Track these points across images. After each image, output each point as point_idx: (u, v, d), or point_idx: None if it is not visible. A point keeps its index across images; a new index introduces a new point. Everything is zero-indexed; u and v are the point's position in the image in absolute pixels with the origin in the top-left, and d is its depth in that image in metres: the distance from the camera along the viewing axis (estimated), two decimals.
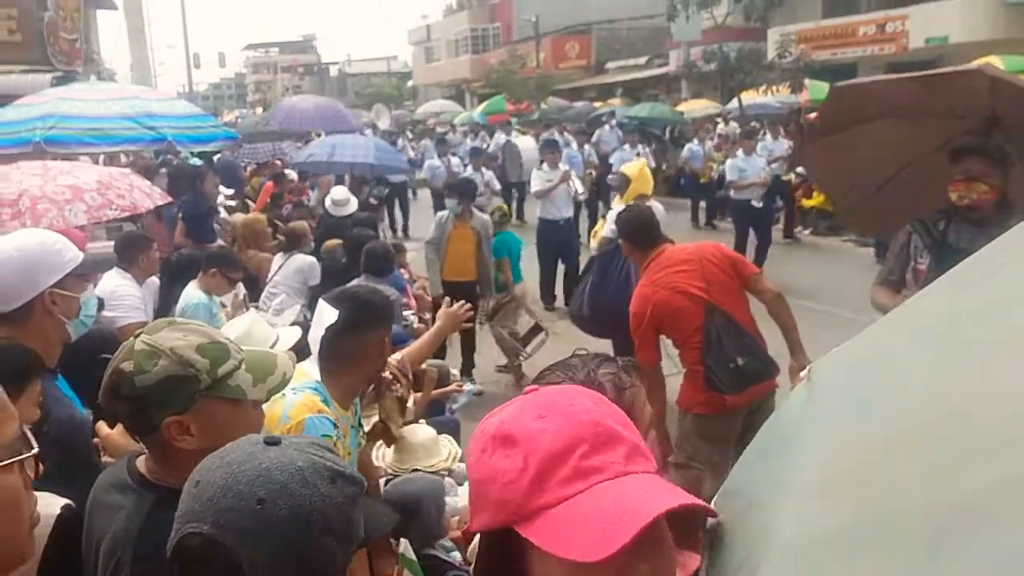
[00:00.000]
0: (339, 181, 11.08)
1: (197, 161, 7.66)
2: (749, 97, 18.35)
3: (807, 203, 13.87)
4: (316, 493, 1.15)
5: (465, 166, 13.63)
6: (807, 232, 14.13)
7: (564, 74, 37.39)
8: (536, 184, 10.12)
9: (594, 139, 17.13)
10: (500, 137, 19.33)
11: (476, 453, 0.99)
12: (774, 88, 17.55)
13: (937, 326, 0.98)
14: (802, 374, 1.10)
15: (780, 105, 18.82)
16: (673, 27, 21.62)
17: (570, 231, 10.09)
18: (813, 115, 18.77)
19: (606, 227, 6.53)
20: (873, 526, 0.78)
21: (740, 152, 11.67)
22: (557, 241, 9.81)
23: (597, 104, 28.32)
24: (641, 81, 32.05)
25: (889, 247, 3.87)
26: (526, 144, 15.98)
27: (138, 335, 1.60)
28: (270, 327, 3.32)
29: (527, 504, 0.92)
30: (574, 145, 14.71)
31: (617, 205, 6.81)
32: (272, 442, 1.20)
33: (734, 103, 19.19)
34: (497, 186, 12.46)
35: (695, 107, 22.25)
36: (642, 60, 33.22)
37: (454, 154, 15.63)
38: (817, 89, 18.82)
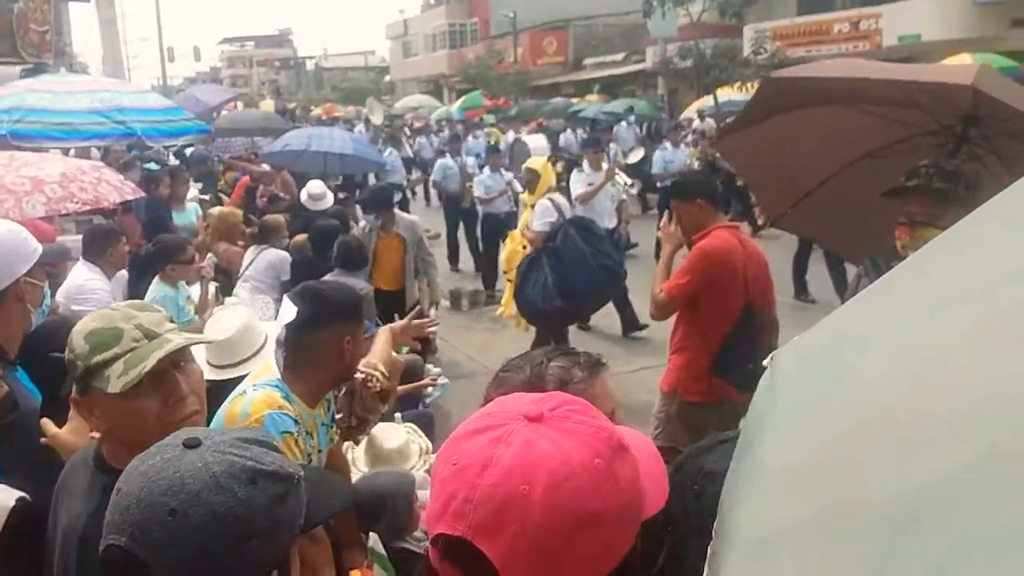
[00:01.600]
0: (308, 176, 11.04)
1: (153, 165, 7.54)
2: (724, 94, 18.44)
3: None
4: (232, 498, 1.11)
5: (481, 167, 11.93)
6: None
7: (541, 70, 37.42)
8: (578, 187, 8.43)
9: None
10: (508, 135, 18.63)
11: (607, 487, 0.98)
12: (749, 85, 17.64)
13: (896, 314, 0.97)
14: (765, 362, 1.09)
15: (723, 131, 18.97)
16: (650, 23, 21.67)
17: (613, 244, 7.57)
18: None
19: (536, 220, 6.59)
20: (827, 520, 0.78)
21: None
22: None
23: (575, 100, 28.34)
24: (618, 77, 32.14)
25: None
26: (536, 142, 14.83)
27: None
28: (261, 328, 3.21)
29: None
30: (668, 146, 13.29)
31: (529, 200, 7.27)
32: (191, 444, 1.15)
33: (710, 100, 19.29)
34: (520, 188, 9.58)
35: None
36: (619, 56, 33.32)
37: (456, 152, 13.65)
38: None
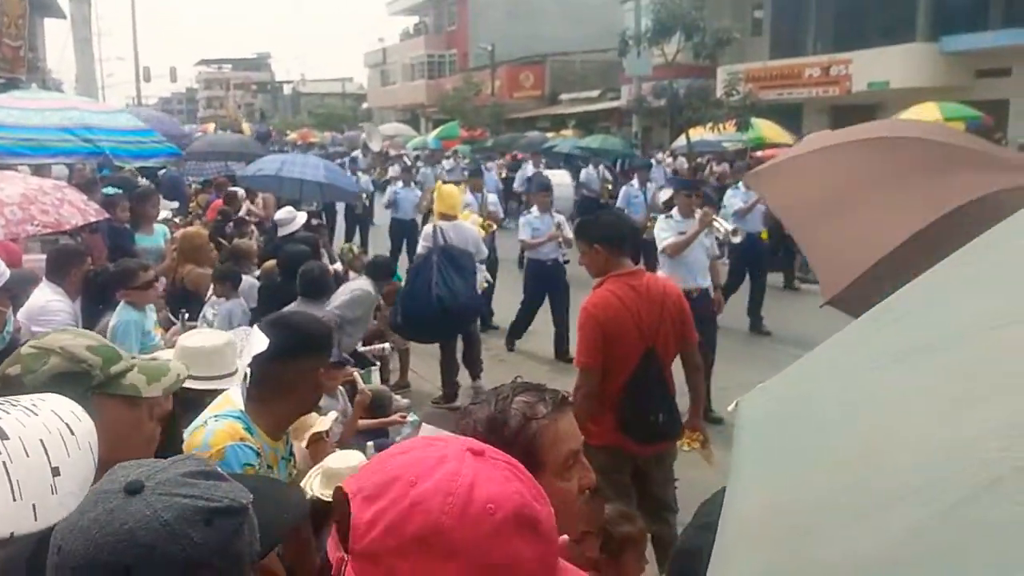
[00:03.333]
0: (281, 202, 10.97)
1: (111, 189, 7.44)
2: (697, 133, 18.70)
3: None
4: (189, 544, 1.05)
5: (515, 204, 11.87)
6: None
7: (518, 103, 37.74)
8: (666, 236, 7.01)
9: (620, 201, 15.52)
10: (527, 169, 17.73)
11: (484, 534, 0.92)
12: (722, 126, 17.90)
13: (856, 367, 0.98)
14: (729, 408, 1.10)
15: (727, 143, 19.22)
16: (625, 62, 21.97)
17: (705, 305, 6.79)
18: (759, 152, 19.25)
19: (420, 242, 7.53)
20: None
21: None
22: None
23: (550, 134, 28.58)
24: (593, 113, 32.50)
25: None
26: (560, 179, 13.37)
27: (24, 343, 1.58)
28: (227, 351, 3.16)
29: None
30: (635, 183, 12.27)
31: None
32: (134, 489, 1.05)
33: (682, 140, 19.56)
34: (569, 233, 8.19)
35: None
36: (595, 93, 33.72)
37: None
38: (761, 128, 19.26)
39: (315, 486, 3.29)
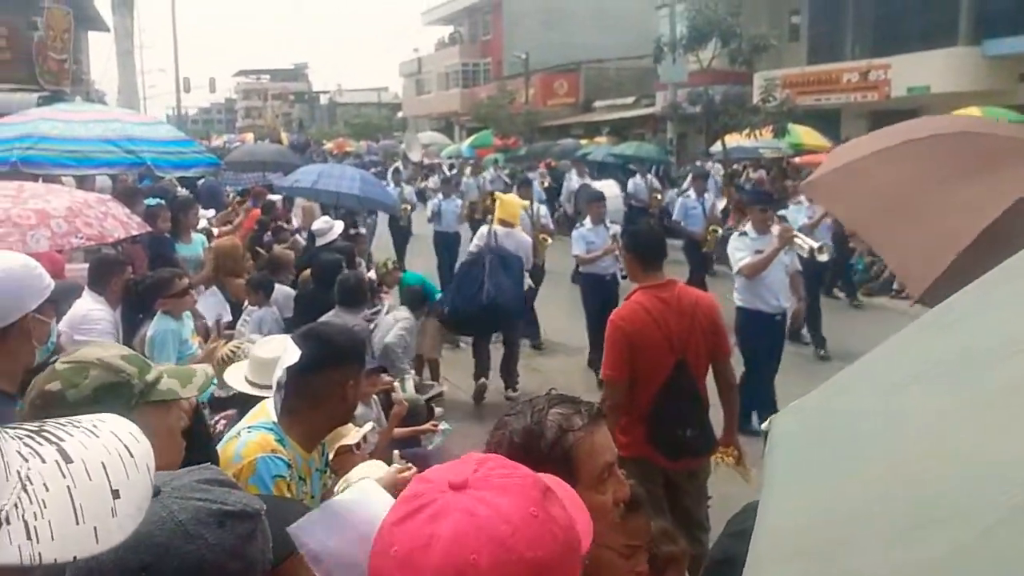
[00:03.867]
0: (324, 210, 11.05)
1: (154, 200, 7.58)
2: (733, 140, 18.55)
3: None
4: (204, 545, 1.08)
5: (570, 218, 11.27)
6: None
7: (552, 111, 37.75)
8: (741, 254, 6.58)
9: (676, 214, 14.77)
10: (571, 179, 16.54)
11: (546, 533, 0.99)
12: (758, 132, 17.74)
13: (895, 382, 0.96)
14: (763, 426, 1.09)
15: (764, 149, 19.04)
16: (660, 69, 21.88)
17: (781, 330, 6.70)
18: (797, 159, 19.01)
19: (473, 241, 8.08)
20: None
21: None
22: (769, 345, 6.56)
23: (584, 141, 28.56)
24: (628, 120, 32.40)
25: None
26: (609, 189, 12.20)
27: (54, 360, 1.59)
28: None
29: None
30: (692, 193, 11.54)
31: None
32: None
33: (717, 146, 19.41)
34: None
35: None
36: (629, 100, 33.62)
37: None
38: (799, 134, 19.06)
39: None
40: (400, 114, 60.22)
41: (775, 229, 6.55)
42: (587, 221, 8.77)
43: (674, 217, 11.44)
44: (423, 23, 55.15)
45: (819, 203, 6.80)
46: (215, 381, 1.87)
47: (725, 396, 4.11)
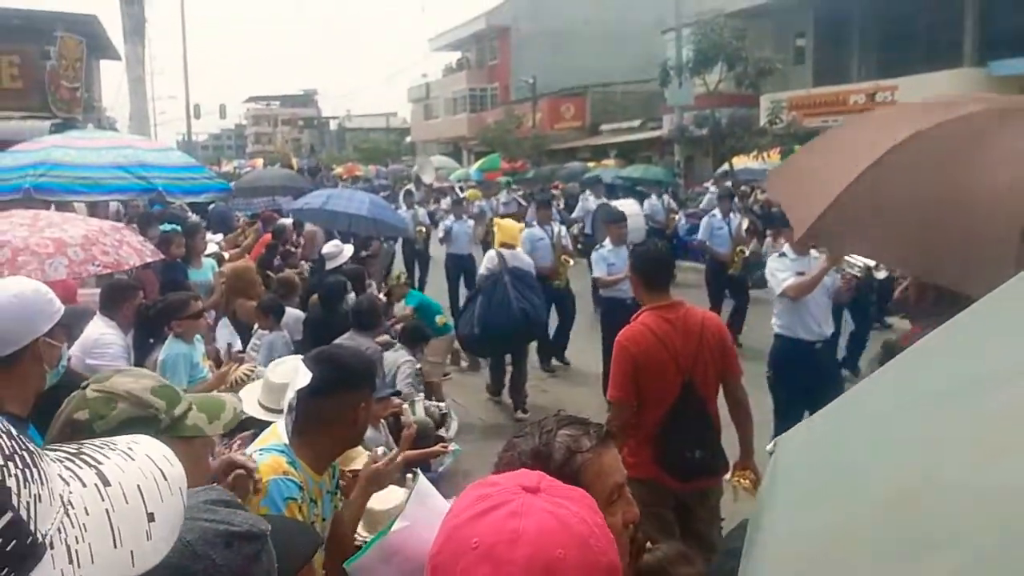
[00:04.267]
0: (329, 235, 11.09)
1: (167, 226, 7.66)
2: (740, 162, 18.63)
3: None
4: (211, 565, 1.09)
5: (586, 241, 10.77)
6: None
7: (559, 134, 37.95)
8: (783, 275, 6.07)
9: (700, 234, 14.05)
10: (588, 199, 15.90)
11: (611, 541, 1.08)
12: (765, 154, 17.79)
13: (898, 406, 0.97)
14: (769, 447, 1.09)
15: (770, 171, 19.09)
16: (667, 92, 22.02)
17: (820, 359, 6.11)
18: None
19: (483, 265, 8.29)
20: None
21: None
22: (806, 377, 5.79)
23: (591, 164, 28.66)
24: (635, 143, 32.53)
25: None
26: (630, 208, 11.70)
27: (85, 385, 1.60)
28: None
29: None
30: (717, 213, 10.99)
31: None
32: None
33: (724, 168, 19.48)
34: None
35: None
36: (636, 123, 33.77)
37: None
38: None
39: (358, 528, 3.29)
40: (408, 139, 60.61)
41: (814, 251, 6.10)
42: (607, 242, 8.54)
43: (699, 237, 11.20)
44: (431, 49, 55.65)
45: (770, 195, 7.12)
46: (243, 414, 1.87)
47: (737, 416, 4.07)
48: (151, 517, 0.74)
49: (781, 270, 6.11)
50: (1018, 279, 1.03)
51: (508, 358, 8.04)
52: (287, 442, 2.27)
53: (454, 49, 53.67)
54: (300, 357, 3.83)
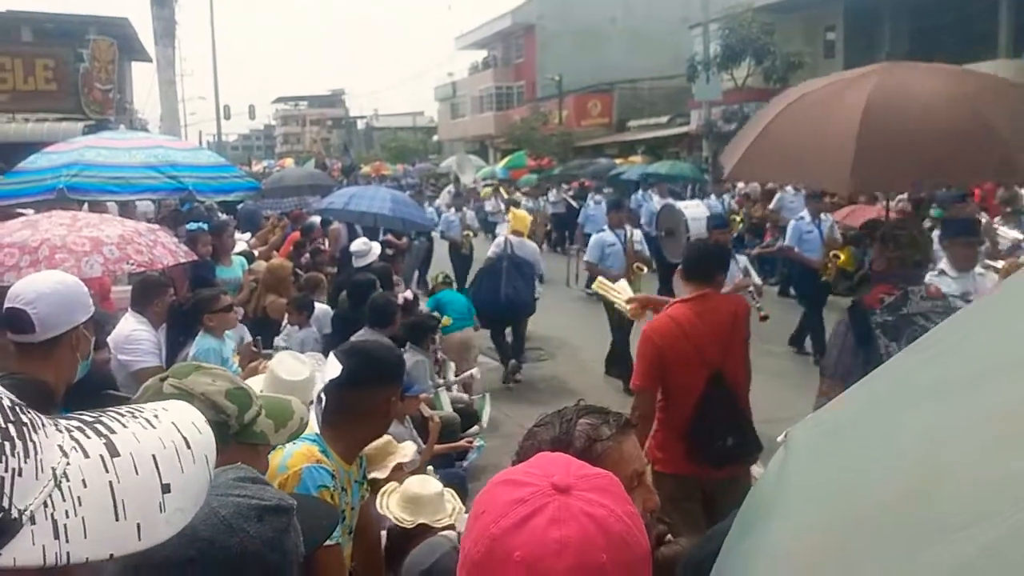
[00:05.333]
0: (351, 231, 11.17)
1: (195, 225, 7.75)
2: None
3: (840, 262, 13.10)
4: (246, 538, 1.14)
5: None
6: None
7: (586, 131, 37.88)
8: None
9: (773, 204, 13.78)
10: (652, 199, 14.68)
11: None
12: None
13: (904, 398, 0.97)
14: (779, 439, 1.09)
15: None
16: (694, 87, 21.89)
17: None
18: None
19: (491, 248, 9.27)
20: None
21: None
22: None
23: (618, 161, 28.56)
24: (662, 139, 32.38)
25: None
26: (695, 212, 10.82)
27: (164, 379, 1.63)
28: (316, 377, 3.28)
29: None
30: (806, 215, 9.83)
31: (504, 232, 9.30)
32: None
33: None
34: (758, 279, 7.53)
35: None
36: (663, 119, 33.60)
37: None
38: None
39: (391, 507, 3.34)
40: (435, 137, 60.80)
41: (979, 268, 5.34)
42: (606, 227, 8.74)
43: (787, 242, 9.95)
44: (457, 48, 55.79)
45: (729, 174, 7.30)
46: (306, 423, 1.90)
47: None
48: (166, 488, 0.72)
49: (946, 286, 4.92)
50: (1014, 278, 1.03)
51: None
52: (318, 432, 2.30)
53: (480, 47, 53.76)
54: (291, 352, 3.89)
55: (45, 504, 0.65)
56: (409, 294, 8.14)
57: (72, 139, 8.43)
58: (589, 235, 13.67)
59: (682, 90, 28.58)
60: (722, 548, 1.07)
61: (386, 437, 3.44)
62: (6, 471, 0.64)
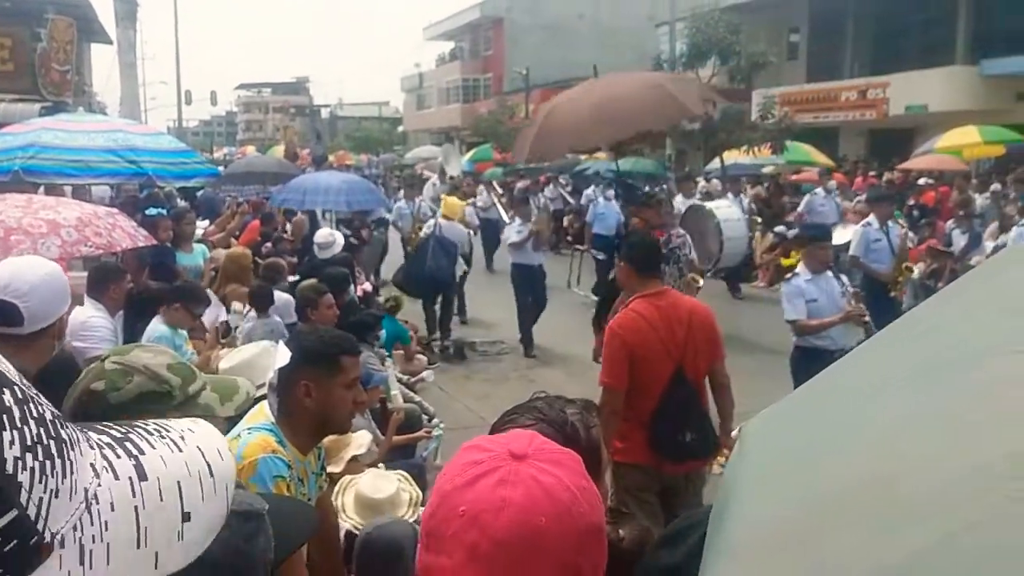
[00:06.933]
0: (313, 220, 11.07)
1: (154, 210, 7.63)
2: (731, 156, 18.64)
3: (785, 262, 13.58)
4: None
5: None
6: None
7: None
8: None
9: (802, 207, 13.19)
10: (677, 199, 13.01)
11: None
12: (756, 149, 17.81)
13: (867, 387, 0.98)
14: (733, 434, 1.11)
15: (765, 166, 19.10)
16: None
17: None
18: (794, 176, 19.05)
19: (425, 227, 10.48)
20: None
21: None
22: None
23: (583, 157, 28.59)
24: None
25: None
26: (728, 213, 10.25)
27: (105, 357, 1.62)
28: (262, 362, 3.26)
29: None
30: (873, 221, 8.55)
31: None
32: None
33: (716, 163, 19.51)
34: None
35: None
36: None
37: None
38: (797, 150, 19.14)
39: (347, 508, 3.30)
40: (401, 128, 60.36)
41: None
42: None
43: (851, 252, 8.64)
44: (424, 38, 55.40)
45: (517, 157, 11.20)
46: (254, 398, 1.88)
47: (719, 400, 4.13)
48: (186, 517, 0.69)
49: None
50: (979, 268, 1.05)
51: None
52: (274, 421, 2.29)
53: (448, 39, 53.46)
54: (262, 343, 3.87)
55: (75, 528, 0.62)
56: (368, 286, 8.10)
57: (29, 120, 8.25)
58: (599, 235, 13.67)
59: None
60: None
61: None
62: (45, 492, 0.60)
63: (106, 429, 0.71)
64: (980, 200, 14.46)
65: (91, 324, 4.76)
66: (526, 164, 16.89)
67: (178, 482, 0.69)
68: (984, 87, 21.38)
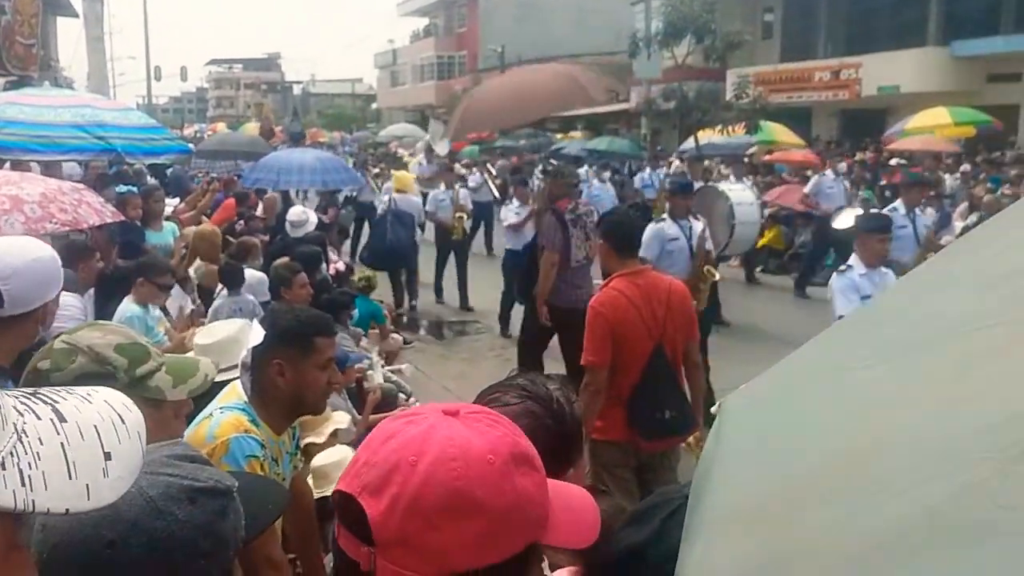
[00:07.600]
0: (286, 199, 10.97)
1: (124, 188, 7.49)
2: (706, 136, 18.67)
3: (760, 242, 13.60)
4: (174, 521, 1.05)
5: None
6: (758, 270, 13.25)
7: None
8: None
9: (809, 188, 12.37)
10: (593, 181, 13.99)
11: (494, 482, 0.96)
12: (730, 128, 17.87)
13: (842, 365, 0.99)
14: (713, 409, 1.11)
15: (736, 145, 19.15)
16: (635, 64, 21.96)
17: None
18: (768, 156, 19.15)
19: (380, 203, 11.19)
20: (775, 561, 0.78)
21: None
22: None
23: (558, 136, 28.57)
24: (602, 115, 32.44)
25: None
26: (741, 196, 9.56)
27: (58, 335, 1.60)
28: (241, 340, 3.22)
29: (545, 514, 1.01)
30: (900, 207, 7.97)
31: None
32: None
33: (690, 142, 19.54)
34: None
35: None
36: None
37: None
38: (771, 130, 19.22)
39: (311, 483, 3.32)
40: (374, 105, 59.86)
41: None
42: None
43: None
44: (398, 14, 54.84)
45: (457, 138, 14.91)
46: (213, 380, 1.85)
47: (692, 378, 4.18)
48: (108, 456, 0.74)
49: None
50: (967, 240, 1.06)
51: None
52: (247, 400, 2.27)
53: (422, 15, 52.96)
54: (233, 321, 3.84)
55: (11, 454, 0.67)
56: (342, 265, 8.05)
57: None
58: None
59: (623, 66, 28.63)
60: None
61: None
62: None
63: (17, 391, 0.77)
64: (950, 181, 14.63)
65: (60, 303, 4.69)
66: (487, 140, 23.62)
67: (95, 425, 0.75)
68: (955, 68, 21.58)
